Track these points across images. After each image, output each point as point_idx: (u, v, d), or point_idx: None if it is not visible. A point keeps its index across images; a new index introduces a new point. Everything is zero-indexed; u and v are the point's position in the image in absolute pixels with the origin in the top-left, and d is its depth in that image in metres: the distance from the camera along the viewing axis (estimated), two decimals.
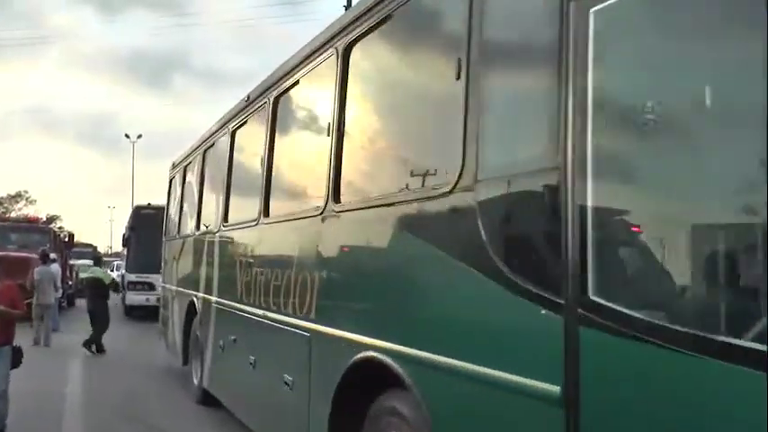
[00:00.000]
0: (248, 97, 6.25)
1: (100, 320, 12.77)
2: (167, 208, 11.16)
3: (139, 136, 54.13)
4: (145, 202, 19.54)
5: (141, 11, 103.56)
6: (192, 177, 9.02)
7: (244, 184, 6.54)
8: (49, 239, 20.20)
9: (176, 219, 10.04)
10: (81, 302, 18.85)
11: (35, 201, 70.88)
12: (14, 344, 6.11)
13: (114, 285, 15.46)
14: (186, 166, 9.63)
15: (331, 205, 3.99)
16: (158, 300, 15.73)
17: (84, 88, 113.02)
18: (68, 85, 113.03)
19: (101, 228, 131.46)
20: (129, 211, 21.54)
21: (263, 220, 5.45)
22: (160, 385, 9.34)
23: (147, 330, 15.01)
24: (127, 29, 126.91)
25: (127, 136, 54.29)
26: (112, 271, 22.23)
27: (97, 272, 13.51)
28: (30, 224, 22.80)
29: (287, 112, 5.49)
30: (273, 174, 5.43)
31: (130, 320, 18.59)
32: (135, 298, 18.66)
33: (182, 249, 9.13)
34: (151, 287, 17.67)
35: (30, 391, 7.43)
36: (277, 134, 5.46)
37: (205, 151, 8.25)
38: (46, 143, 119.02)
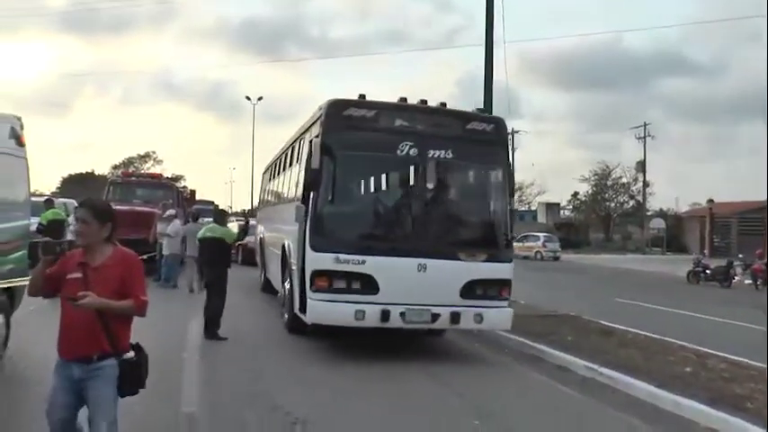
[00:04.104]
0: None
1: (217, 293, 9.29)
2: None
3: (260, 98, 55.07)
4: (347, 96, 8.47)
5: None
6: None
7: None
8: (172, 195, 19.26)
9: None
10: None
11: (162, 161, 74.23)
12: (129, 353, 3.51)
13: (230, 251, 10.27)
14: None
15: None
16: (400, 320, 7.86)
17: (202, 55, 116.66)
18: (188, 53, 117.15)
19: (221, 187, 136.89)
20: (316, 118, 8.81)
21: None
22: None
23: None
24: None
25: (248, 98, 55.25)
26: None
27: (216, 230, 9.69)
28: (153, 179, 21.64)
29: None
30: None
31: (312, 354, 8.35)
32: (329, 309, 7.90)
33: None
34: (371, 287, 7.85)
35: None
36: None
37: None
38: (170, 107, 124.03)
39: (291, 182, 10.63)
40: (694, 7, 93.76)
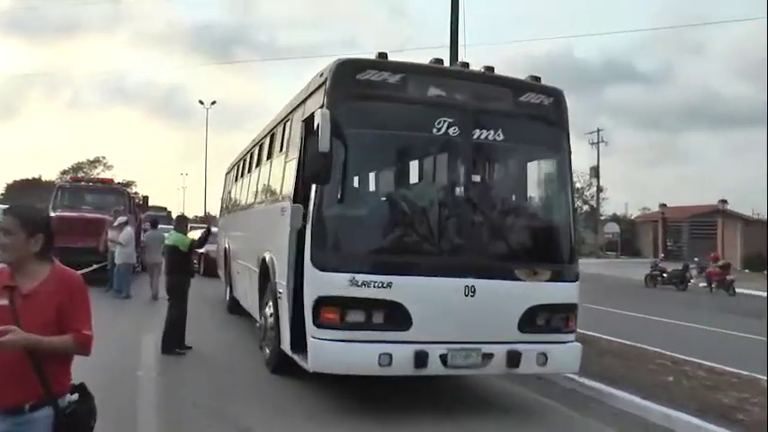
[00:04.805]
0: None
1: (175, 303, 8.60)
2: None
3: (213, 102, 54.17)
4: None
5: None
6: None
7: None
8: (124, 201, 18.24)
9: None
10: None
11: (112, 166, 72.05)
12: (71, 396, 2.79)
13: (188, 259, 9.11)
14: None
15: None
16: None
17: (153, 60, 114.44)
18: (139, 57, 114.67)
19: (174, 193, 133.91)
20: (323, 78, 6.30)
21: None
22: None
23: None
24: (192, 3, 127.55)
25: (201, 102, 54.21)
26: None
27: (171, 237, 9.11)
28: (104, 185, 20.40)
29: None
30: None
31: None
32: (342, 353, 5.63)
33: None
34: (401, 321, 5.71)
35: None
36: None
37: None
38: (121, 112, 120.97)
39: (274, 178, 8.27)
40: (644, 19, 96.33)
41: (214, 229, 15.15)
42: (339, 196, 5.79)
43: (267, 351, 7.46)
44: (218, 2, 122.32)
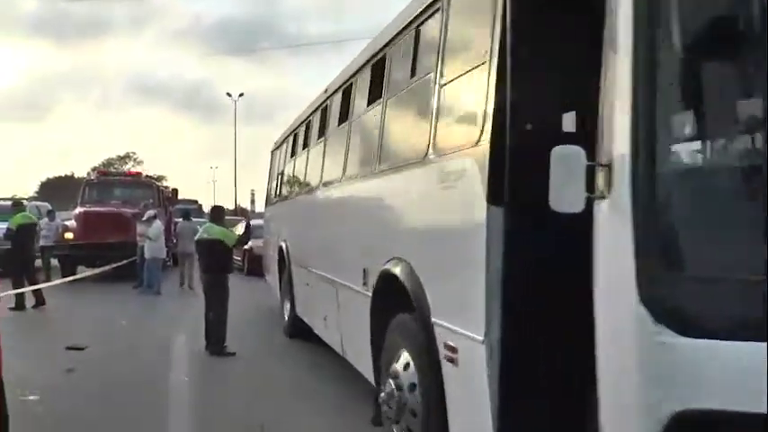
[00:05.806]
0: None
1: (215, 303, 7.77)
2: None
3: (241, 94, 53.89)
4: None
5: None
6: None
7: None
8: (153, 194, 17.81)
9: None
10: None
11: (142, 161, 72.55)
12: None
13: (231, 255, 8.47)
14: None
15: None
16: None
17: (180, 56, 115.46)
18: (166, 54, 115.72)
19: (204, 187, 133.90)
20: None
21: None
22: None
23: None
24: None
25: (228, 95, 54.11)
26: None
27: (212, 230, 8.02)
28: (133, 178, 20.02)
29: None
30: None
31: None
32: None
33: None
34: None
35: None
36: None
37: None
38: (149, 109, 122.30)
39: (412, 121, 4.25)
40: None
41: (256, 222, 13.84)
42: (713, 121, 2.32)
43: None
44: None
